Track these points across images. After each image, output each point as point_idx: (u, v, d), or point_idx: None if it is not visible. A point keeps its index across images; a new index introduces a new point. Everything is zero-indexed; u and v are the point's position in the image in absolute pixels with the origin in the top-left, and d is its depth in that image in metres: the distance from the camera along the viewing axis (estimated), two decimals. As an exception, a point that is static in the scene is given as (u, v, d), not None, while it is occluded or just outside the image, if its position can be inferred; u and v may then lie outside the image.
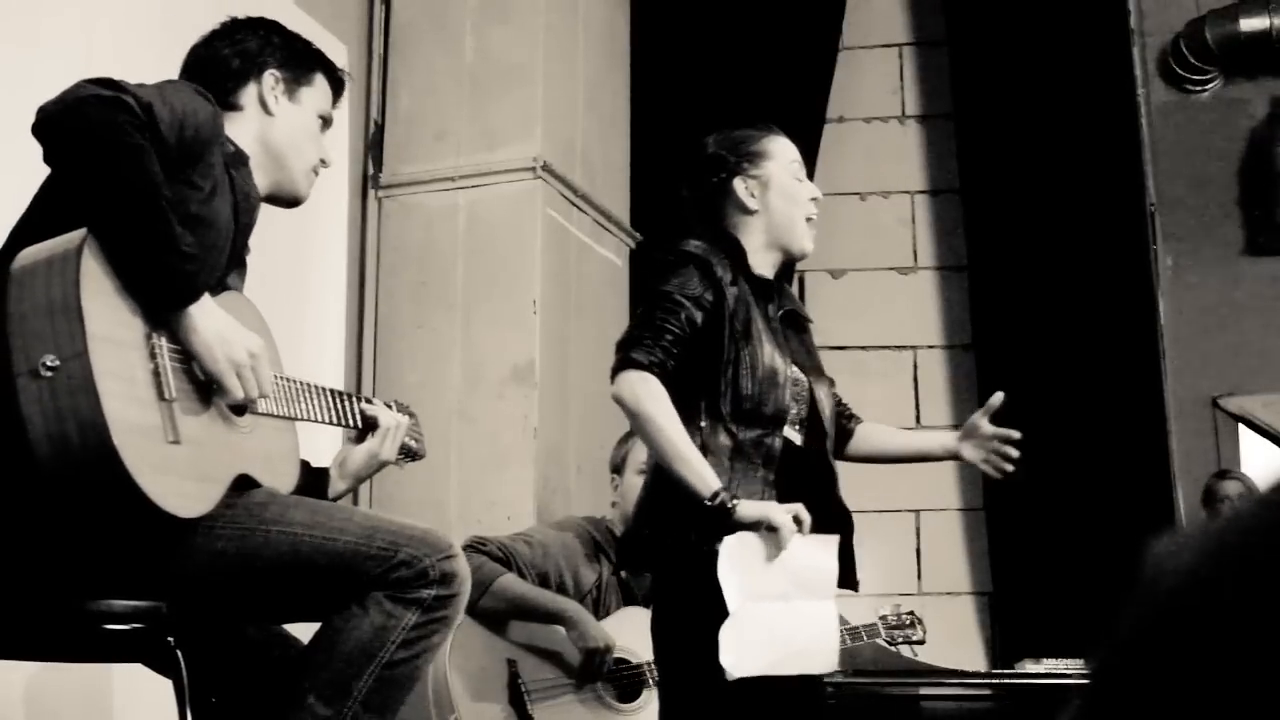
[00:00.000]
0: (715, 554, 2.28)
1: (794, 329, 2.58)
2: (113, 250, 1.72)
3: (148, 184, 1.72)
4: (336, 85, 2.26)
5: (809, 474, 2.47)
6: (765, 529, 2.30)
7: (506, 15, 4.44)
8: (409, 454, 2.32)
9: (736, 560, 2.29)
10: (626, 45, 5.05)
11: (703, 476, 2.29)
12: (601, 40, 4.85)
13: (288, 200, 2.20)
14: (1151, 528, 0.78)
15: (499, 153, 4.33)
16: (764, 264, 2.54)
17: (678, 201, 2.68)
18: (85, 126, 1.71)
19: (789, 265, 2.61)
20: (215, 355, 1.81)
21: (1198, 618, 0.57)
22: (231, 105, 2.10)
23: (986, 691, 4.62)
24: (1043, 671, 4.25)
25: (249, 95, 2.13)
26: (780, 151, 2.58)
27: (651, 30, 5.11)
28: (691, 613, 2.32)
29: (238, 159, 2.04)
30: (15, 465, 1.66)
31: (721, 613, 2.26)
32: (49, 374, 1.64)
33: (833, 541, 2.45)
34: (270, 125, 2.13)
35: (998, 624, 5.32)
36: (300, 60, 2.19)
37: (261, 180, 2.13)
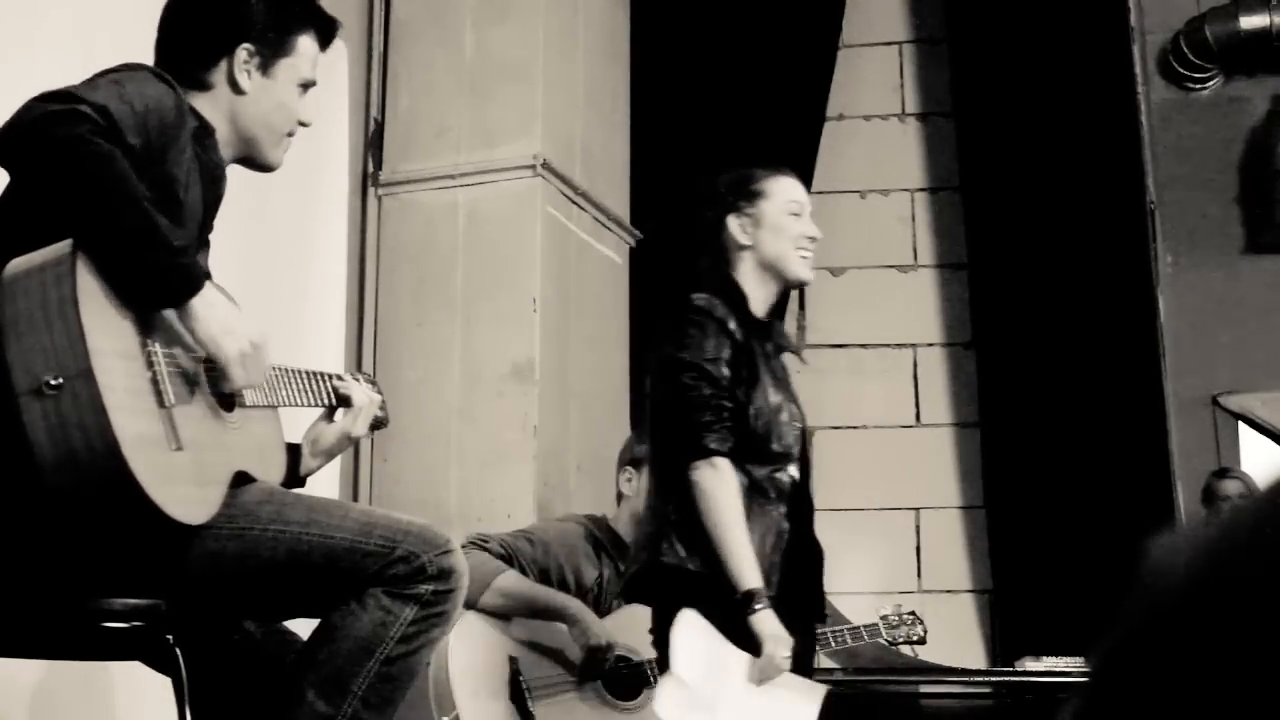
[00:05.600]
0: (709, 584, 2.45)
1: (783, 367, 2.73)
2: (104, 259, 1.70)
3: (124, 188, 1.70)
4: (325, 39, 2.13)
5: (798, 511, 2.62)
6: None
7: (506, 13, 4.44)
8: (376, 425, 2.30)
9: (694, 633, 2.42)
10: (626, 43, 5.04)
11: (743, 571, 2.43)
12: (601, 38, 4.84)
13: (259, 168, 2.12)
14: (1151, 526, 0.78)
15: (499, 150, 4.33)
16: (762, 298, 2.70)
17: (682, 237, 2.85)
18: (45, 146, 1.67)
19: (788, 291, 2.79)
20: (221, 344, 1.80)
21: (1197, 616, 0.56)
22: (200, 83, 2.00)
23: (987, 689, 4.62)
24: (1043, 669, 4.25)
25: (219, 73, 2.02)
26: (778, 191, 2.72)
27: (651, 28, 5.10)
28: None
29: (203, 131, 1.99)
30: (18, 478, 1.65)
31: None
32: (53, 392, 1.63)
33: (820, 691, 2.55)
34: (241, 104, 2.03)
35: (998, 622, 5.32)
36: (281, 25, 2.06)
37: (229, 153, 2.07)
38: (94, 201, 1.69)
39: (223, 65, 2.02)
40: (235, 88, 2.03)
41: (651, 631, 2.66)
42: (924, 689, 4.84)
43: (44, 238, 1.71)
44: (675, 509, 2.52)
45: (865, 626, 3.59)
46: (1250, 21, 5.32)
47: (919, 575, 5.45)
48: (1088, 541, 4.82)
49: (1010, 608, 5.23)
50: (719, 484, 2.47)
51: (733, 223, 2.69)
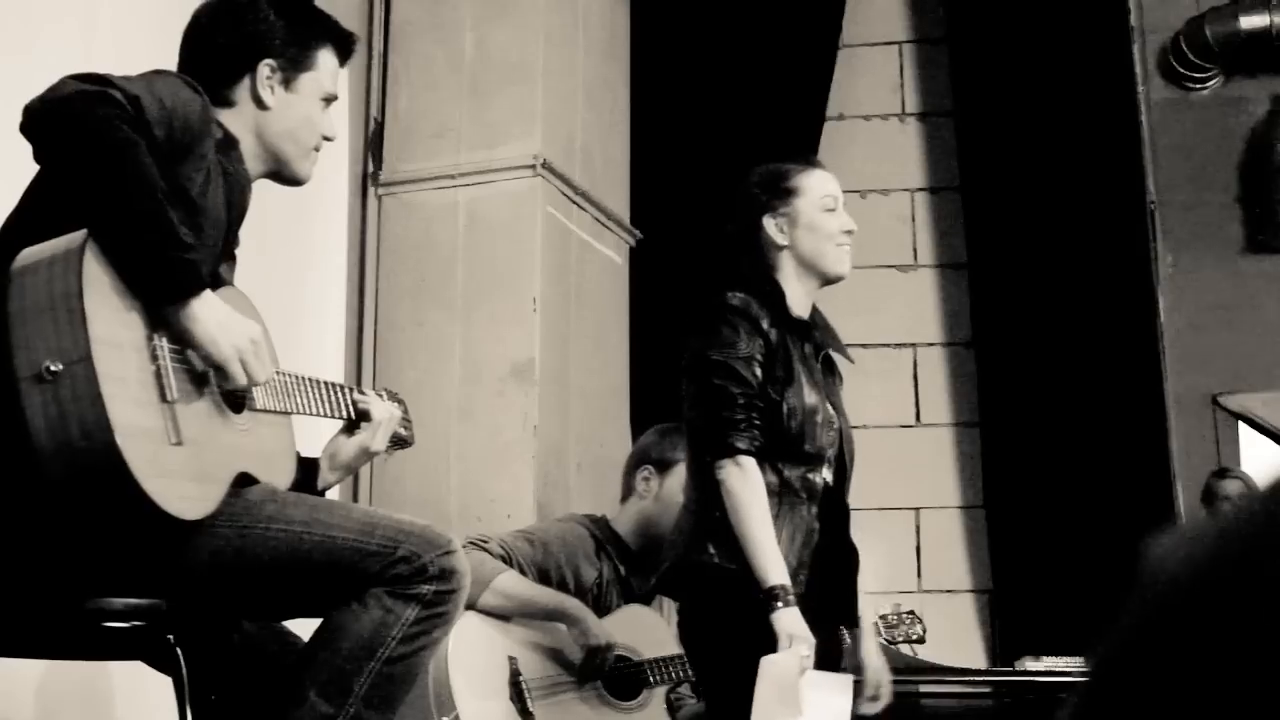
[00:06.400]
0: (743, 583, 2.45)
1: (828, 370, 2.72)
2: (113, 246, 1.71)
3: (142, 177, 1.71)
4: (344, 53, 2.18)
5: (832, 514, 2.62)
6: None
7: (506, 12, 4.44)
8: (399, 443, 2.31)
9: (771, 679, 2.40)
10: (626, 42, 5.04)
11: (767, 567, 2.44)
12: (601, 37, 4.84)
13: (289, 182, 2.16)
14: (1151, 525, 0.78)
15: (499, 150, 4.33)
16: (801, 295, 2.69)
17: (720, 237, 2.81)
18: (74, 124, 1.69)
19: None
20: (219, 343, 1.80)
21: (1197, 616, 0.57)
22: (225, 101, 2.03)
23: (986, 689, 4.62)
24: (1043, 669, 4.25)
25: (242, 91, 2.06)
26: (812, 187, 2.71)
27: (651, 27, 5.10)
28: (733, 639, 2.49)
29: (227, 143, 2.01)
30: (17, 467, 1.66)
31: (754, 637, 2.40)
32: (52, 378, 1.63)
33: (848, 682, 2.56)
34: (266, 119, 2.07)
35: (998, 622, 5.32)
36: (301, 41, 2.10)
37: (258, 167, 2.09)
38: (111, 184, 1.70)
39: (246, 82, 2.06)
40: (259, 103, 2.06)
41: (680, 626, 2.69)
42: (924, 689, 4.84)
43: (66, 223, 1.72)
44: (710, 509, 2.53)
45: (865, 626, 3.58)
46: (1250, 21, 5.32)
47: (919, 575, 5.45)
48: (1088, 541, 4.81)
49: (1010, 608, 5.23)
50: (743, 483, 2.48)
51: (769, 223, 2.69)
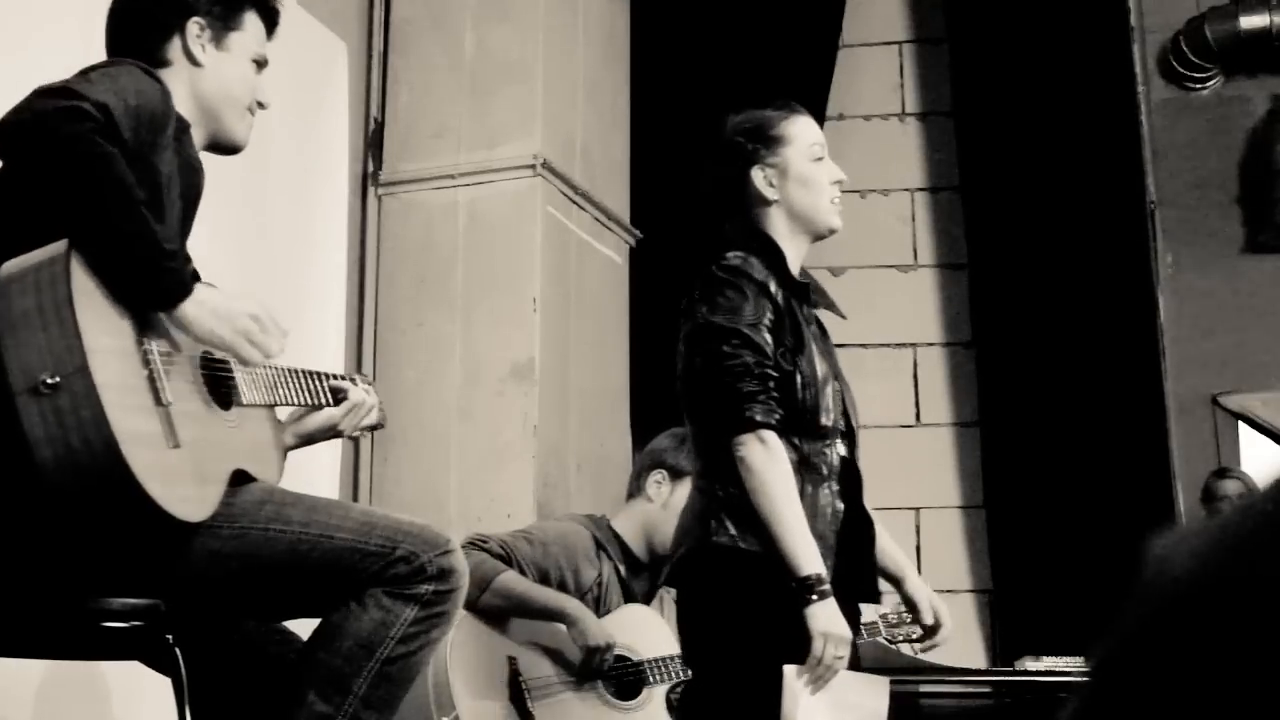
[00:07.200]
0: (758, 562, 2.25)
1: (821, 331, 2.53)
2: (99, 260, 1.71)
3: (124, 192, 1.71)
4: (270, 21, 2.16)
5: (850, 487, 2.41)
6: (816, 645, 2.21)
7: (506, 12, 4.44)
8: (370, 425, 2.30)
9: (797, 689, 2.21)
10: (626, 42, 5.05)
11: (800, 554, 2.21)
12: (601, 37, 4.85)
13: (226, 149, 2.14)
14: (1151, 525, 0.78)
15: (499, 150, 4.33)
16: (794, 253, 2.47)
17: (699, 190, 2.59)
18: (53, 143, 1.68)
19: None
20: (220, 332, 1.80)
21: (1197, 615, 0.56)
22: (159, 62, 2.02)
23: (986, 689, 4.62)
24: (1043, 669, 4.25)
25: (174, 49, 2.05)
26: (799, 134, 2.53)
27: (651, 26, 5.10)
28: (750, 631, 2.27)
29: (180, 128, 2.00)
30: (16, 474, 1.65)
31: (775, 631, 2.21)
32: (49, 391, 1.63)
33: (884, 684, 2.38)
34: (200, 77, 2.06)
35: (998, 621, 5.32)
36: (226, 1, 2.10)
37: (198, 135, 2.09)
38: (93, 202, 1.70)
39: (176, 41, 2.06)
40: (192, 60, 2.06)
41: (686, 616, 2.44)
42: (924, 689, 4.83)
43: (38, 233, 1.71)
44: (724, 486, 2.29)
45: (865, 625, 3.58)
46: (1250, 21, 5.32)
47: (919, 574, 5.45)
48: (1088, 541, 4.82)
49: (1010, 608, 5.23)
50: (768, 460, 2.24)
51: (757, 175, 2.46)
